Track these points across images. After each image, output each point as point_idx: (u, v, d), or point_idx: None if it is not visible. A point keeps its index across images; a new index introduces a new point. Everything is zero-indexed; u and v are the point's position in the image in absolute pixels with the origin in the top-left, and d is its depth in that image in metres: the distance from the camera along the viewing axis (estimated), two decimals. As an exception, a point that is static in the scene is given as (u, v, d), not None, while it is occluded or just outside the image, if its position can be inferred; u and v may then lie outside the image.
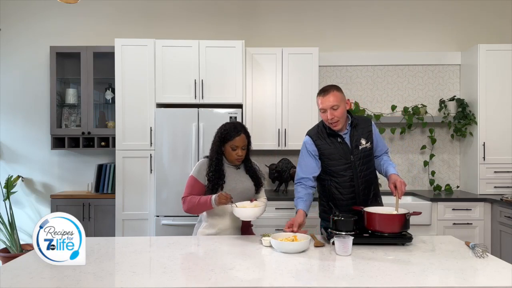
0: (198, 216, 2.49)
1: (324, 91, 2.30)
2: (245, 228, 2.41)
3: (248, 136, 2.38)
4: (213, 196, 2.22)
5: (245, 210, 2.18)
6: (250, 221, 2.44)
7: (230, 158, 2.36)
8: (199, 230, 2.41)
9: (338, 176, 2.34)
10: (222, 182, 2.32)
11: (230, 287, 1.50)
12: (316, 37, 4.25)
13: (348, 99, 2.37)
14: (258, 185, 2.45)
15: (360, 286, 1.51)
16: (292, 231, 2.11)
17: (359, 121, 2.40)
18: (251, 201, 2.30)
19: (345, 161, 2.33)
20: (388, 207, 2.24)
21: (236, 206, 2.20)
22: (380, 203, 2.44)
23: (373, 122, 2.46)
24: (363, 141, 2.35)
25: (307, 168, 2.37)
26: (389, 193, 2.35)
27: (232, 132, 2.32)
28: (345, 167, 2.33)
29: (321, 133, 2.38)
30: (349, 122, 2.37)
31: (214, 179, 2.30)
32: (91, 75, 3.89)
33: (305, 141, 2.41)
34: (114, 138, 3.81)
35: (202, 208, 2.29)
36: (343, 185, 2.34)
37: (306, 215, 2.26)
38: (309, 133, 2.44)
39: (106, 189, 3.90)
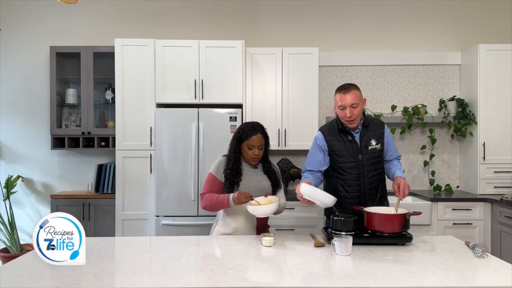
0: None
1: (344, 88, 2.31)
2: (262, 228, 2.40)
3: (265, 137, 2.39)
4: (231, 195, 2.22)
5: (256, 207, 2.17)
6: (266, 222, 2.45)
7: (246, 157, 2.37)
8: (215, 229, 2.41)
9: (345, 174, 2.35)
10: (238, 180, 2.33)
11: (230, 287, 1.50)
12: (316, 37, 4.25)
13: (365, 99, 2.39)
14: (275, 186, 2.43)
15: (360, 286, 1.51)
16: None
17: (371, 122, 2.42)
18: (266, 196, 2.29)
19: (352, 159, 2.34)
20: (388, 207, 2.24)
21: (251, 203, 2.19)
22: (386, 206, 2.43)
23: (386, 126, 2.48)
24: (373, 142, 2.36)
25: (314, 162, 2.39)
26: (392, 193, 2.35)
27: (249, 131, 2.33)
28: (352, 165, 2.34)
29: (333, 129, 2.40)
30: (361, 122, 2.39)
31: (231, 176, 2.32)
32: (91, 75, 3.89)
33: (316, 136, 2.45)
34: (114, 138, 3.81)
35: (220, 206, 2.30)
36: (349, 183, 2.35)
37: None
38: (321, 129, 2.46)
39: (106, 189, 3.90)
